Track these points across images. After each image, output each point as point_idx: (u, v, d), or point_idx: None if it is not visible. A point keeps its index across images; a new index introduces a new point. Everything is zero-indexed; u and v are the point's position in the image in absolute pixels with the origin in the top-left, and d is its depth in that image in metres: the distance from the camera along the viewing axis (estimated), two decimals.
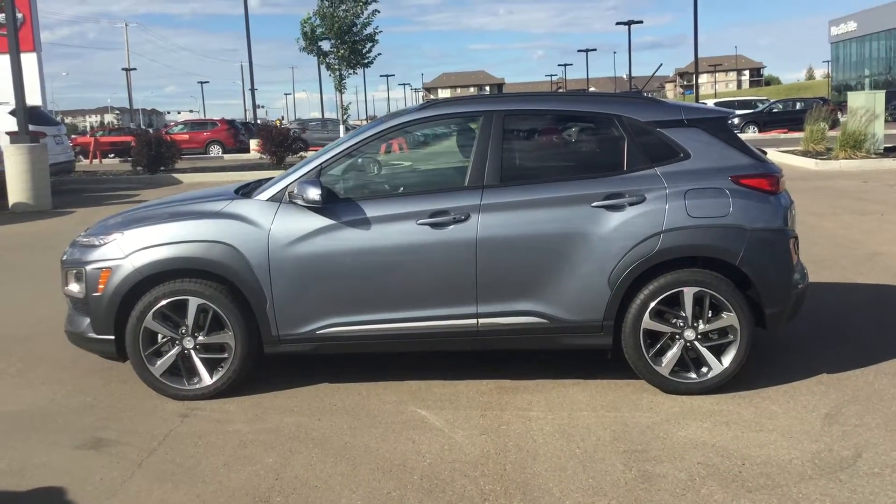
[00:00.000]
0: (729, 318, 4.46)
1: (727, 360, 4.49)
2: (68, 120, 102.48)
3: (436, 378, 4.90)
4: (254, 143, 30.01)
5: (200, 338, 4.65)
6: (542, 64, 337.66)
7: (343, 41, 25.62)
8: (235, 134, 37.35)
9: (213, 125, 38.36)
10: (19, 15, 19.52)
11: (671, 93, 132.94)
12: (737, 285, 4.49)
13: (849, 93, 23.29)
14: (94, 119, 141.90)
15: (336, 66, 26.40)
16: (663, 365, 4.51)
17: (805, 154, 19.23)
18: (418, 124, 5.02)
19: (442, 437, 4.10)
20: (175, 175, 21.40)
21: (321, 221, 4.56)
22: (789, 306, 4.64)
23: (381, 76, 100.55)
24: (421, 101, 11.08)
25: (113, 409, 4.64)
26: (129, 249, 4.65)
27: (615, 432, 4.08)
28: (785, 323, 4.74)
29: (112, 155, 33.26)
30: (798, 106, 36.95)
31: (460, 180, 4.70)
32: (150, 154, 21.84)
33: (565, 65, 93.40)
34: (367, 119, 71.20)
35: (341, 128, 28.17)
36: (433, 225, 4.51)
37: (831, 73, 73.43)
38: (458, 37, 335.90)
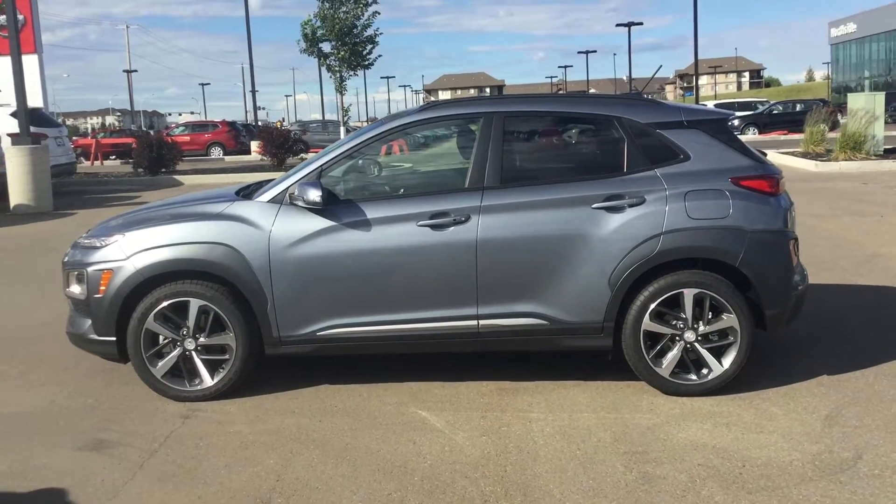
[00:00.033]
0: (729, 319, 4.47)
1: (727, 361, 4.50)
2: (69, 122, 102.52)
3: (436, 379, 4.91)
4: (255, 145, 30.04)
5: (201, 339, 4.66)
6: (543, 65, 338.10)
7: (343, 43, 25.67)
8: (236, 136, 37.38)
9: (214, 127, 38.40)
10: (20, 16, 19.54)
11: (671, 94, 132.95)
12: (737, 287, 4.49)
13: (849, 94, 23.27)
14: (95, 121, 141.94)
15: (336, 68, 26.45)
16: (664, 366, 4.51)
17: (805, 156, 19.23)
18: (419, 126, 5.03)
19: (442, 438, 4.10)
20: (176, 177, 21.42)
21: (322, 223, 4.57)
22: (789, 308, 4.64)
23: (381, 78, 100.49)
24: (421, 103, 11.08)
25: (114, 410, 4.65)
26: (130, 251, 4.66)
27: (615, 434, 4.08)
28: (785, 324, 4.74)
29: (113, 157, 33.28)
30: (798, 107, 37.00)
31: (460, 182, 4.70)
32: (152, 156, 21.87)
33: (565, 66, 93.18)
34: (367, 121, 71.18)
35: (342, 129, 28.20)
36: (433, 226, 4.52)
37: (831, 75, 73.39)
38: (459, 38, 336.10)
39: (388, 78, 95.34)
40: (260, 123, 42.19)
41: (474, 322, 4.55)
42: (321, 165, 4.74)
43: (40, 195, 15.08)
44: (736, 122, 33.34)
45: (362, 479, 3.68)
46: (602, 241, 4.46)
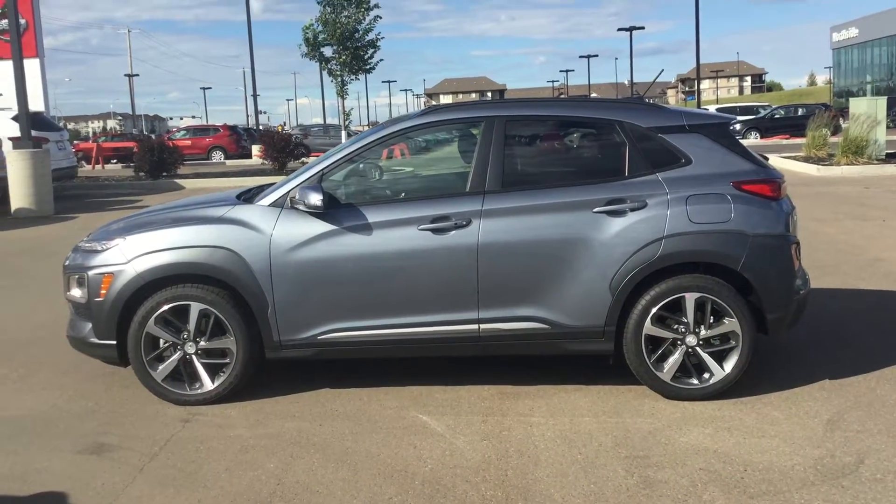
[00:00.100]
0: (731, 323, 4.46)
1: (729, 365, 4.49)
2: (71, 125, 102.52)
3: (437, 383, 4.90)
4: (256, 149, 30.07)
5: (202, 343, 4.66)
6: (544, 70, 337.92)
7: (345, 47, 25.72)
8: (238, 140, 37.45)
9: (216, 131, 38.48)
10: (22, 21, 19.59)
11: (673, 99, 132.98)
12: (738, 291, 4.49)
13: (850, 99, 23.30)
14: (96, 125, 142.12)
15: (338, 72, 26.50)
16: (665, 370, 4.51)
17: (807, 160, 19.24)
18: (420, 130, 5.02)
19: (443, 442, 4.09)
20: (177, 181, 21.44)
21: (323, 227, 4.57)
22: (791, 312, 4.63)
23: (382, 82, 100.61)
24: (422, 107, 11.09)
25: (114, 414, 4.64)
26: (131, 255, 4.66)
27: (617, 438, 4.07)
28: (787, 329, 4.73)
29: (115, 160, 33.34)
30: (800, 112, 37.02)
31: (462, 186, 4.70)
32: (153, 160, 21.90)
33: (567, 71, 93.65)
34: (368, 125, 71.29)
35: (343, 133, 28.24)
36: (435, 230, 4.51)
37: (833, 80, 73.49)
38: (460, 43, 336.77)
39: (389, 82, 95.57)
40: (261, 127, 42.23)
41: (475, 326, 4.55)
42: (322, 169, 4.74)
43: (41, 199, 15.10)
44: (738, 127, 33.35)
45: (363, 483, 3.67)
46: (603, 245, 4.45)
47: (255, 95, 40.74)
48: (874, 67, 61.10)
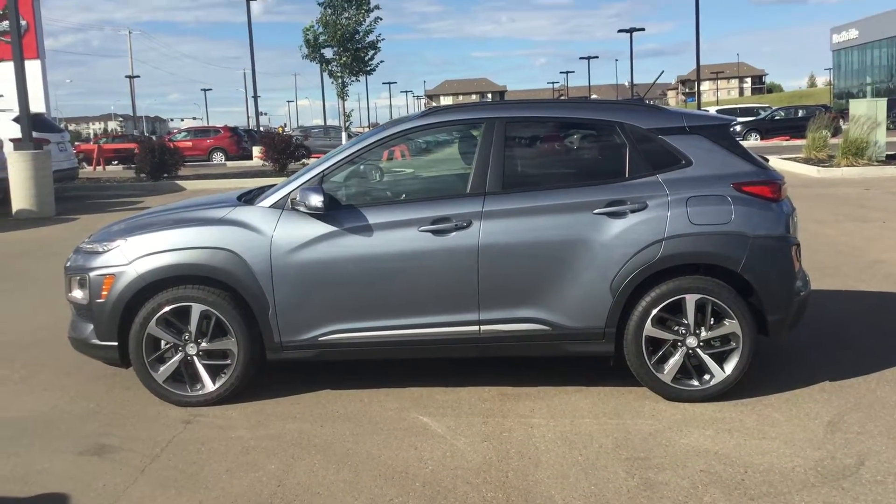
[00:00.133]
0: (731, 325, 4.46)
1: (729, 367, 4.49)
2: (72, 127, 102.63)
3: (438, 385, 4.91)
4: (256, 151, 30.09)
5: (203, 344, 4.66)
6: (544, 71, 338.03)
7: (345, 49, 25.70)
8: (238, 141, 37.45)
9: (217, 132, 38.48)
10: (23, 22, 19.61)
11: (673, 100, 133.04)
12: (739, 292, 4.49)
13: (851, 100, 23.29)
14: (97, 126, 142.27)
15: (338, 74, 26.47)
16: (665, 372, 4.51)
17: (807, 161, 19.23)
18: (420, 131, 5.03)
19: (444, 443, 4.10)
20: (178, 182, 21.43)
21: (323, 228, 4.57)
22: (791, 314, 4.64)
23: (383, 83, 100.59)
24: (423, 108, 11.08)
25: (116, 415, 4.65)
26: (132, 256, 4.66)
27: (617, 440, 4.08)
28: (787, 330, 4.74)
29: (115, 162, 33.38)
30: (800, 113, 37.01)
31: (462, 187, 4.71)
32: (154, 161, 21.91)
33: (567, 72, 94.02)
34: (369, 126, 71.29)
35: (343, 135, 28.24)
36: (435, 232, 4.52)
37: (833, 81, 73.47)
38: (461, 44, 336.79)
39: (389, 83, 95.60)
40: (262, 129, 42.24)
41: (476, 327, 4.55)
42: (323, 171, 4.75)
43: (42, 200, 15.10)
44: (738, 128, 33.35)
45: (364, 485, 3.68)
46: (604, 247, 4.46)
47: (255, 97, 40.78)
48: (874, 69, 61.09)
